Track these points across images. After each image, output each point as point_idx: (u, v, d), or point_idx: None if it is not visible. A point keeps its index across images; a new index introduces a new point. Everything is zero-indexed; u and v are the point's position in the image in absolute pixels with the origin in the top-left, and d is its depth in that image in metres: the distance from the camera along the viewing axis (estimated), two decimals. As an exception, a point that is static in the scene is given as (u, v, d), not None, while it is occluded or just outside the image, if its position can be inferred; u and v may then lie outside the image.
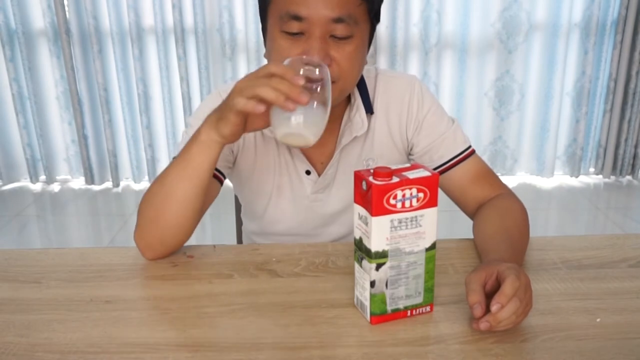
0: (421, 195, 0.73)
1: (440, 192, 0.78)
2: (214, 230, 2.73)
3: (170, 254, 0.97)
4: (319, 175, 1.08)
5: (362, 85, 1.06)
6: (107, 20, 3.00)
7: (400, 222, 0.73)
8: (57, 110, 3.21)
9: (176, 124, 3.20)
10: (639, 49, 3.05)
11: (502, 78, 3.14)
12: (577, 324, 0.77)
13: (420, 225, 0.75)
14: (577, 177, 3.29)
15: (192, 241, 1.00)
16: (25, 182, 3.35)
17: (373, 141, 1.08)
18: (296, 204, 1.10)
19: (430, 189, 0.73)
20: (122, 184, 3.32)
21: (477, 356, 0.71)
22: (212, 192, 1.01)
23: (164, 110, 3.17)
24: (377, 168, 0.72)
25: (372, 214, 0.71)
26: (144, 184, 3.28)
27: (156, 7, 2.96)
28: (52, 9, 2.97)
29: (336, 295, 0.84)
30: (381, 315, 0.77)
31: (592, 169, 3.35)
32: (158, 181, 0.94)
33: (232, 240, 1.43)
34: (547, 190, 3.19)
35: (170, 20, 3.01)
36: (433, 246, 0.77)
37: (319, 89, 0.81)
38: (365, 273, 0.76)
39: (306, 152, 1.07)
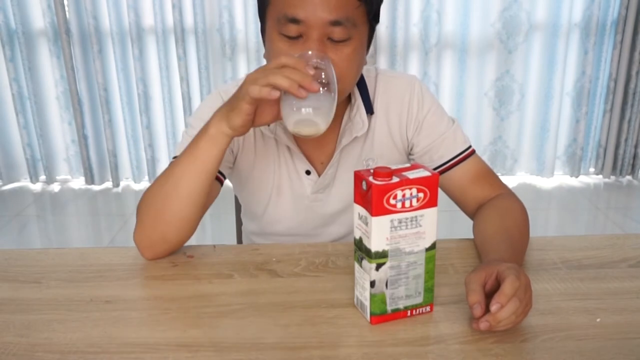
0: (421, 195, 0.73)
1: (440, 192, 0.78)
2: (214, 230, 2.73)
3: (170, 253, 0.97)
4: (319, 175, 1.08)
5: (362, 86, 1.06)
6: (107, 20, 3.00)
7: (400, 222, 0.73)
8: (57, 110, 3.21)
9: (176, 124, 3.20)
10: (639, 49, 3.05)
11: (502, 78, 3.14)
12: (577, 324, 0.77)
13: (420, 225, 0.75)
14: (577, 177, 3.29)
15: (192, 241, 1.00)
16: (25, 182, 3.35)
17: (373, 141, 1.08)
18: (296, 204, 1.10)
19: (430, 189, 0.73)
20: (122, 184, 3.32)
21: (477, 356, 0.71)
22: (212, 192, 1.02)
23: (164, 110, 3.17)
24: (377, 168, 0.72)
25: (372, 214, 0.71)
26: (144, 184, 3.28)
27: (156, 7, 2.96)
28: (52, 9, 2.97)
29: (336, 295, 0.84)
30: (381, 315, 0.77)
31: (592, 169, 3.35)
32: (163, 177, 0.94)
33: (232, 240, 1.43)
34: (547, 190, 3.19)
35: (170, 20, 3.01)
36: (433, 246, 0.77)
37: (325, 79, 0.85)
38: (365, 273, 0.76)
39: (306, 152, 1.07)
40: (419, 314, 0.79)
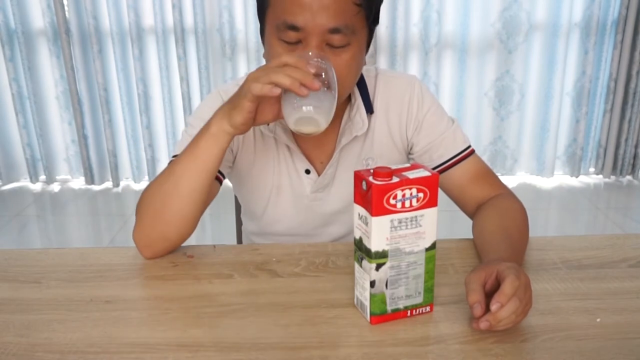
0: (421, 195, 0.73)
1: (440, 192, 0.78)
2: (214, 230, 2.73)
3: (169, 252, 0.97)
4: (319, 174, 1.08)
5: (362, 85, 1.06)
6: (107, 20, 3.00)
7: (400, 222, 0.73)
8: (57, 110, 3.21)
9: (176, 124, 3.20)
10: (639, 49, 3.05)
11: (502, 78, 3.14)
12: (577, 324, 0.77)
13: (420, 225, 0.75)
14: (577, 177, 3.29)
15: (192, 241, 1.00)
16: (25, 182, 3.35)
17: (373, 141, 1.08)
18: (296, 203, 1.10)
19: (430, 189, 0.73)
20: (122, 184, 3.32)
21: (477, 356, 0.71)
22: (212, 191, 1.02)
23: (164, 110, 3.17)
24: (377, 168, 0.72)
25: (372, 214, 0.71)
26: (144, 184, 3.27)
27: (156, 7, 2.96)
28: (52, 9, 2.97)
29: (336, 295, 0.84)
30: (381, 315, 0.77)
31: (592, 169, 3.35)
32: (162, 176, 0.95)
33: (232, 240, 1.43)
34: (547, 190, 3.19)
35: (170, 20, 3.01)
36: (433, 246, 0.77)
37: (325, 78, 0.85)
38: (365, 273, 0.76)
39: (306, 151, 1.07)
40: (419, 314, 0.79)
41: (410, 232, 0.74)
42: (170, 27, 3.03)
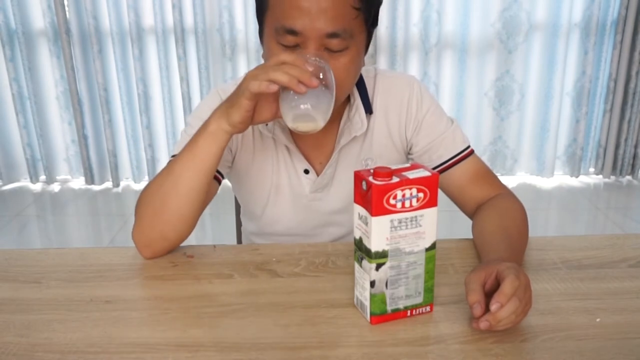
0: (421, 195, 0.73)
1: (440, 192, 0.78)
2: (214, 230, 2.73)
3: (169, 252, 0.97)
4: (318, 174, 1.08)
5: (361, 85, 1.06)
6: (107, 20, 3.00)
7: (400, 222, 0.73)
8: (57, 110, 3.21)
9: (176, 124, 3.20)
10: (639, 49, 3.05)
11: (502, 78, 3.14)
12: (577, 324, 0.77)
13: (420, 225, 0.75)
14: (577, 177, 3.29)
15: (192, 241, 1.00)
16: (25, 182, 3.35)
17: (372, 141, 1.08)
18: (295, 203, 1.10)
19: (430, 189, 0.73)
20: (122, 184, 3.32)
21: (477, 356, 0.71)
22: (210, 191, 1.02)
23: (164, 110, 3.17)
24: (377, 168, 0.72)
25: (372, 214, 0.71)
26: (144, 184, 3.23)
27: (156, 7, 2.96)
28: (52, 9, 2.97)
29: (336, 295, 0.84)
30: (381, 315, 0.77)
31: (592, 169, 3.35)
32: (161, 175, 0.95)
33: (232, 240, 1.43)
34: (547, 190, 3.19)
35: (170, 20, 3.01)
36: (433, 246, 0.77)
37: (323, 77, 0.86)
38: (365, 273, 0.76)
39: (304, 151, 1.07)
40: (419, 314, 0.79)
41: (410, 232, 0.74)
42: (170, 27, 3.03)
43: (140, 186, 3.26)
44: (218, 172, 1.05)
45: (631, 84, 3.11)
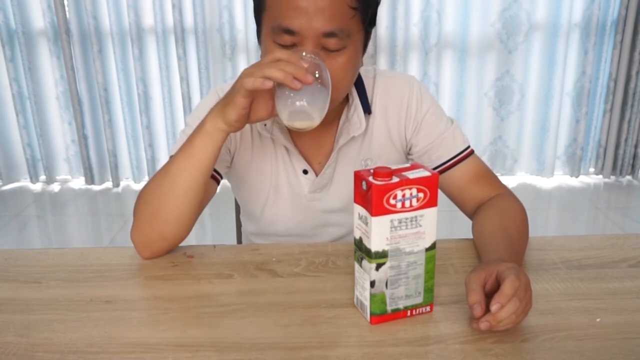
0: (421, 195, 0.73)
1: (440, 192, 0.78)
2: (214, 230, 2.73)
3: (168, 252, 0.97)
4: (317, 175, 1.08)
5: (360, 85, 1.06)
6: (107, 20, 3.00)
7: (400, 222, 0.73)
8: (57, 110, 3.21)
9: (176, 124, 3.20)
10: (639, 49, 3.05)
11: (502, 78, 3.14)
12: (577, 324, 0.77)
13: (420, 225, 0.75)
14: (577, 177, 3.29)
15: (192, 241, 1.00)
16: (25, 182, 3.35)
17: (371, 141, 1.08)
18: (294, 203, 1.10)
19: (430, 189, 0.73)
20: (122, 184, 3.32)
21: (477, 356, 0.71)
22: (209, 191, 1.02)
23: (164, 110, 3.17)
24: (377, 168, 0.72)
25: (372, 214, 0.71)
26: (144, 184, 3.27)
27: (156, 7, 2.96)
28: (52, 9, 2.97)
29: (336, 295, 0.84)
30: (381, 315, 0.77)
31: (592, 169, 3.35)
32: (159, 175, 0.95)
33: (232, 240, 1.43)
34: (547, 190, 3.19)
35: (170, 20, 3.01)
36: (433, 246, 0.77)
37: (318, 74, 0.85)
38: (365, 273, 0.76)
39: (303, 151, 1.07)
40: (419, 314, 0.79)
41: (410, 232, 0.74)
42: (170, 27, 3.03)
43: (140, 186, 3.26)
44: (217, 172, 1.05)
45: (631, 84, 3.11)
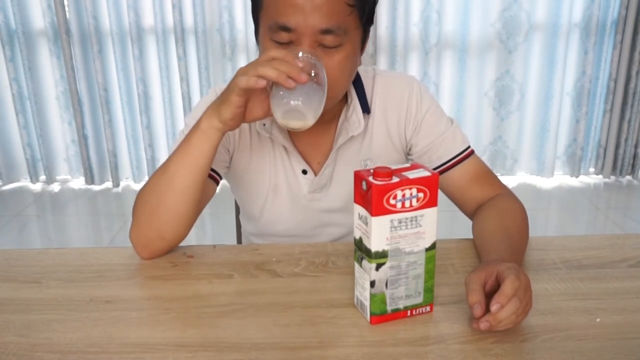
0: (421, 195, 0.73)
1: (440, 192, 0.78)
2: (214, 230, 2.73)
3: (166, 252, 0.97)
4: (316, 174, 1.08)
5: (359, 85, 1.06)
6: (107, 20, 3.00)
7: (400, 222, 0.73)
8: (57, 110, 3.21)
9: (176, 124, 3.20)
10: (639, 49, 3.05)
11: (502, 78, 3.14)
12: (577, 324, 0.77)
13: (420, 225, 0.75)
14: (577, 177, 3.29)
15: (192, 241, 1.00)
16: (25, 182, 3.35)
17: (371, 141, 1.08)
18: (293, 203, 1.09)
19: (430, 189, 0.73)
20: (122, 184, 3.32)
21: (477, 356, 0.71)
22: (208, 191, 1.02)
23: (164, 110, 3.17)
24: (377, 168, 0.72)
25: (372, 214, 0.71)
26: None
27: (156, 7, 2.96)
28: (52, 9, 2.97)
29: (336, 295, 0.84)
30: (381, 315, 0.77)
31: (592, 169, 3.35)
32: (157, 174, 0.95)
33: (232, 240, 1.43)
34: (547, 190, 3.19)
35: (170, 20, 3.01)
36: (433, 246, 0.77)
37: (314, 74, 0.85)
38: (365, 273, 0.76)
39: (302, 151, 1.07)
40: (419, 314, 0.79)
41: (410, 232, 0.74)
42: (170, 27, 3.03)
43: (140, 186, 3.25)
44: (216, 172, 1.05)
45: (631, 84, 3.11)
